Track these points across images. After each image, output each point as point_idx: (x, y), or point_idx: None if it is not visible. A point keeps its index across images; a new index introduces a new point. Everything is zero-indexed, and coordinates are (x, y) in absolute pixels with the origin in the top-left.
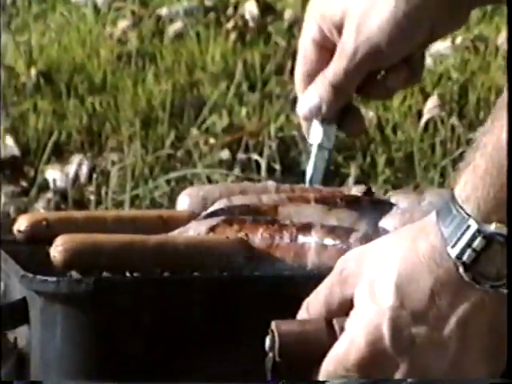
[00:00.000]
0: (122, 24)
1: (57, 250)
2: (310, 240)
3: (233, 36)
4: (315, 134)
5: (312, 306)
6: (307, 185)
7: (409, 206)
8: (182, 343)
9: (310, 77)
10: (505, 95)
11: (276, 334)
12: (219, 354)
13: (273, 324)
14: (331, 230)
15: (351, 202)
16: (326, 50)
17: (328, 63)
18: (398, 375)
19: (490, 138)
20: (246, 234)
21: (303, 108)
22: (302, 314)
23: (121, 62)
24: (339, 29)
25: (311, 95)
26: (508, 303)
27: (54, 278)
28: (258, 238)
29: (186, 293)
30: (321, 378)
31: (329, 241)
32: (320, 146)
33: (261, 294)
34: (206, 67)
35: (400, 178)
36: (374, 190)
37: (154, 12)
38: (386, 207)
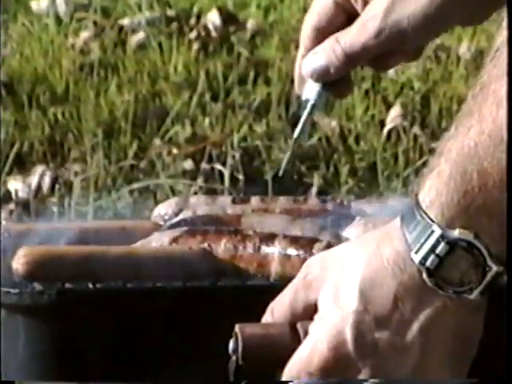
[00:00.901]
0: (84, 34)
1: (19, 263)
2: (274, 250)
3: (195, 46)
4: (310, 92)
5: (277, 310)
6: (294, 140)
7: (371, 216)
8: (145, 354)
9: (319, 32)
10: (469, 101)
11: (240, 337)
12: (182, 365)
13: (237, 327)
14: (294, 240)
15: (314, 212)
16: (343, 10)
17: (342, 25)
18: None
19: (454, 144)
20: (209, 245)
21: (309, 67)
22: (266, 318)
23: (83, 72)
24: None
25: (320, 56)
26: (508, 303)
27: (17, 290)
28: (221, 248)
29: (148, 303)
30: (284, 382)
31: (292, 251)
32: (313, 106)
33: (224, 304)
34: (169, 77)
35: (363, 188)
36: (337, 199)
37: (116, 22)
38: (348, 217)
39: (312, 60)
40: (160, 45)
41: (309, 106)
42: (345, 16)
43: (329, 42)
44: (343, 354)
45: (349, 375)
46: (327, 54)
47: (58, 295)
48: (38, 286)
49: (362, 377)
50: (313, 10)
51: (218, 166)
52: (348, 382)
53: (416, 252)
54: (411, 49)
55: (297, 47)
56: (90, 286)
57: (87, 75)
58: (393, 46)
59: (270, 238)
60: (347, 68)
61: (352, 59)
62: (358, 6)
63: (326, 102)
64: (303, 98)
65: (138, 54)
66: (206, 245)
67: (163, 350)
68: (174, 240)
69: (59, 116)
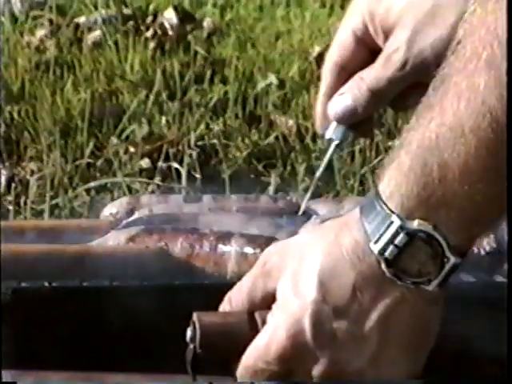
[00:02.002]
0: (40, 33)
1: None
2: (230, 249)
3: (152, 45)
4: (335, 132)
5: (234, 299)
6: (316, 178)
7: (328, 214)
8: (101, 353)
9: (341, 68)
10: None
11: (197, 325)
12: (138, 364)
13: (194, 315)
14: (251, 239)
15: (271, 211)
16: (364, 45)
17: (364, 59)
18: (318, 369)
19: (414, 136)
20: (166, 244)
21: (336, 109)
22: (224, 307)
23: (39, 70)
24: (386, 33)
25: (346, 97)
26: (508, 302)
27: None
28: (178, 247)
29: (105, 302)
30: (241, 370)
31: (249, 249)
32: (337, 146)
33: (180, 303)
34: (125, 76)
35: (320, 187)
36: (294, 198)
37: (72, 21)
38: (305, 216)
39: (338, 102)
40: (116, 43)
41: (333, 146)
42: (366, 51)
43: (354, 81)
44: (301, 343)
45: (306, 364)
46: (353, 94)
47: (13, 294)
48: None
49: (319, 366)
50: (334, 46)
51: (175, 165)
52: (348, 381)
53: (375, 242)
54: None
55: (253, 46)
56: (46, 284)
57: (43, 73)
58: (417, 78)
59: (226, 237)
60: (374, 107)
61: (378, 96)
62: (380, 40)
63: (349, 142)
64: (327, 136)
65: (94, 52)
66: (162, 244)
67: (119, 350)
68: (131, 239)
69: (15, 115)
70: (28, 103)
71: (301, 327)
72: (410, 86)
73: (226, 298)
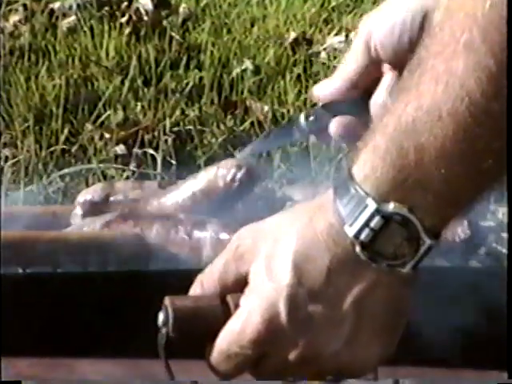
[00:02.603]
0: (14, 18)
1: None
2: (206, 235)
3: (127, 30)
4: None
5: (206, 282)
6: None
7: (303, 200)
8: (77, 338)
9: (352, 84)
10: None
11: (170, 309)
12: (113, 349)
13: (166, 299)
14: (226, 225)
15: None
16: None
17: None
18: (293, 352)
19: (390, 119)
20: (142, 230)
21: (341, 130)
22: (195, 289)
23: (13, 56)
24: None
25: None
26: (508, 302)
27: None
28: (154, 233)
29: (80, 288)
30: (214, 354)
31: (224, 235)
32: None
33: (156, 288)
34: (100, 62)
35: (295, 173)
36: (269, 185)
37: (46, 6)
38: (277, 202)
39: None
40: (91, 29)
41: (296, 136)
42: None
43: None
44: (277, 326)
45: (281, 348)
46: None
47: None
48: None
49: (295, 350)
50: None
51: (151, 151)
52: (348, 381)
53: (350, 225)
54: None
55: (229, 31)
56: (20, 270)
57: (17, 59)
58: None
59: (202, 223)
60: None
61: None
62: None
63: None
64: (301, 120)
65: (69, 38)
66: (138, 229)
67: (94, 335)
68: (106, 225)
69: None
70: (2, 89)
71: (276, 311)
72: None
73: (197, 281)
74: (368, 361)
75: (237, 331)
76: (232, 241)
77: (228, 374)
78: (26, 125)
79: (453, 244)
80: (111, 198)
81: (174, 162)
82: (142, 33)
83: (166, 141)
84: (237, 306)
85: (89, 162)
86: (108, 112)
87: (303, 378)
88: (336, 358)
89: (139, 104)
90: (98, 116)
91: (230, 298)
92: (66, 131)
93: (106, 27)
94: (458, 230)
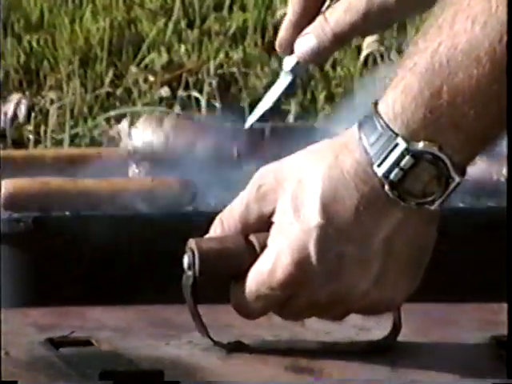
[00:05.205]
0: None
1: None
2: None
3: None
4: (296, 68)
5: (227, 222)
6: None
7: None
8: (123, 278)
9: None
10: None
11: (196, 252)
12: (160, 288)
13: (192, 242)
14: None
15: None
16: None
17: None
18: (323, 293)
19: (421, 58)
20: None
21: (301, 49)
22: (215, 229)
23: None
24: None
25: (310, 38)
26: (508, 299)
27: None
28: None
29: (126, 230)
30: (242, 295)
31: None
32: (293, 82)
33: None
34: (144, 4)
35: (340, 114)
36: (315, 125)
37: None
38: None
39: (303, 42)
40: None
41: (289, 80)
42: None
43: (318, 22)
44: (307, 268)
45: (311, 289)
46: (317, 34)
47: (34, 223)
48: (14, 214)
49: (324, 290)
50: None
51: (195, 94)
52: (348, 381)
53: (379, 165)
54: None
55: None
56: (68, 213)
57: (62, 2)
58: (382, 25)
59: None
60: (337, 47)
61: (341, 40)
62: None
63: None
64: (286, 69)
65: None
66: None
67: (140, 274)
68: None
69: (34, 44)
70: (47, 32)
71: (306, 252)
72: None
73: (217, 221)
74: (395, 298)
75: (266, 273)
76: (253, 180)
77: (254, 314)
78: (71, 68)
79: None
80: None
81: (218, 104)
82: None
83: (210, 83)
84: (262, 245)
85: (133, 104)
86: (152, 54)
87: (331, 317)
88: (365, 296)
89: (183, 46)
90: (142, 59)
91: (253, 238)
92: (110, 74)
93: None
94: (503, 170)
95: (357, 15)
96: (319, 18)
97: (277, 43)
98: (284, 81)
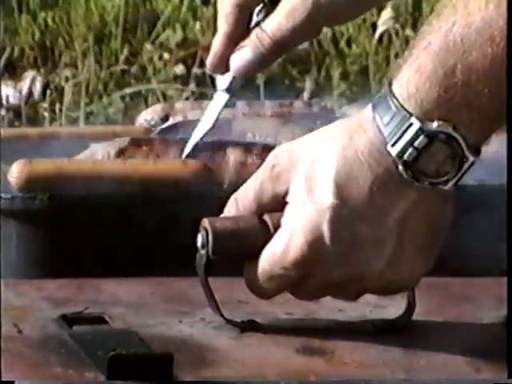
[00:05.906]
0: None
1: (13, 177)
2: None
3: None
4: (232, 85)
5: (241, 202)
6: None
7: None
8: (137, 253)
9: (241, 7)
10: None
11: (210, 231)
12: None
13: (205, 221)
14: (248, 149)
15: (306, 117)
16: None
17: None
18: (337, 273)
19: (435, 38)
20: (157, 155)
21: (237, 63)
22: (229, 209)
23: None
24: None
25: (247, 51)
26: (508, 302)
27: (9, 195)
28: (171, 158)
29: (140, 208)
30: (255, 275)
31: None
32: (229, 99)
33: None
34: None
35: (355, 92)
36: (328, 104)
37: None
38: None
39: (239, 56)
40: None
41: (226, 99)
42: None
43: (254, 35)
44: (320, 248)
45: (325, 269)
46: (254, 47)
47: (49, 200)
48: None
49: (339, 270)
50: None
51: None
52: (348, 381)
53: (393, 145)
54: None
55: None
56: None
57: None
58: (326, 26)
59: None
60: (277, 56)
61: (283, 45)
62: None
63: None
64: (221, 87)
65: None
66: (153, 155)
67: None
68: (121, 152)
69: (49, 21)
70: (62, 9)
71: (319, 233)
72: None
73: (232, 201)
74: (410, 277)
75: (279, 252)
76: (267, 160)
77: (268, 293)
78: (86, 45)
79: None
80: (170, 119)
81: None
82: None
83: None
84: (276, 225)
85: (148, 82)
86: (167, 32)
87: (345, 297)
88: (379, 276)
89: (198, 23)
90: (157, 36)
91: (267, 217)
92: (125, 51)
93: None
94: None
95: (300, 18)
96: (255, 31)
97: (209, 61)
98: (220, 100)
